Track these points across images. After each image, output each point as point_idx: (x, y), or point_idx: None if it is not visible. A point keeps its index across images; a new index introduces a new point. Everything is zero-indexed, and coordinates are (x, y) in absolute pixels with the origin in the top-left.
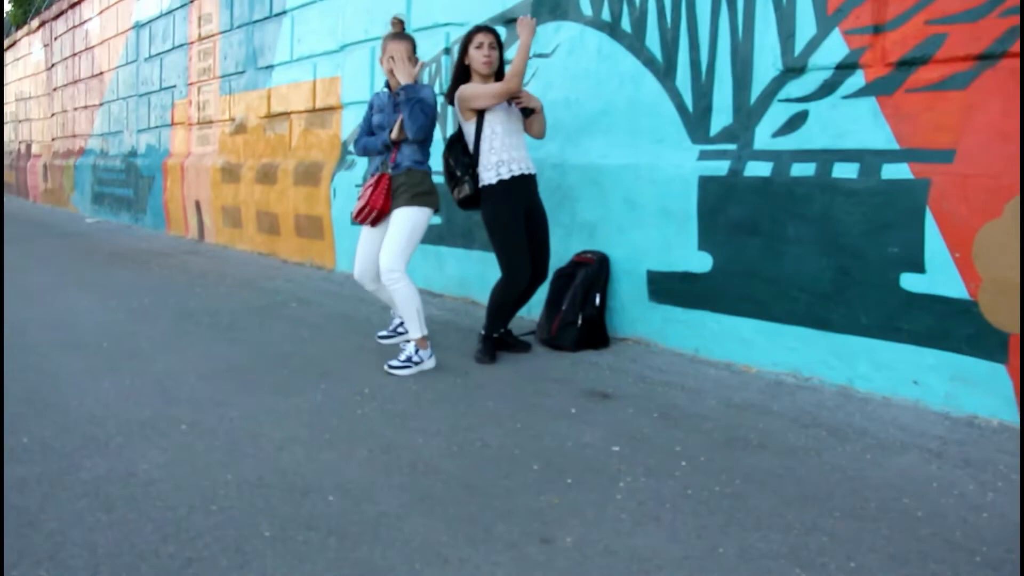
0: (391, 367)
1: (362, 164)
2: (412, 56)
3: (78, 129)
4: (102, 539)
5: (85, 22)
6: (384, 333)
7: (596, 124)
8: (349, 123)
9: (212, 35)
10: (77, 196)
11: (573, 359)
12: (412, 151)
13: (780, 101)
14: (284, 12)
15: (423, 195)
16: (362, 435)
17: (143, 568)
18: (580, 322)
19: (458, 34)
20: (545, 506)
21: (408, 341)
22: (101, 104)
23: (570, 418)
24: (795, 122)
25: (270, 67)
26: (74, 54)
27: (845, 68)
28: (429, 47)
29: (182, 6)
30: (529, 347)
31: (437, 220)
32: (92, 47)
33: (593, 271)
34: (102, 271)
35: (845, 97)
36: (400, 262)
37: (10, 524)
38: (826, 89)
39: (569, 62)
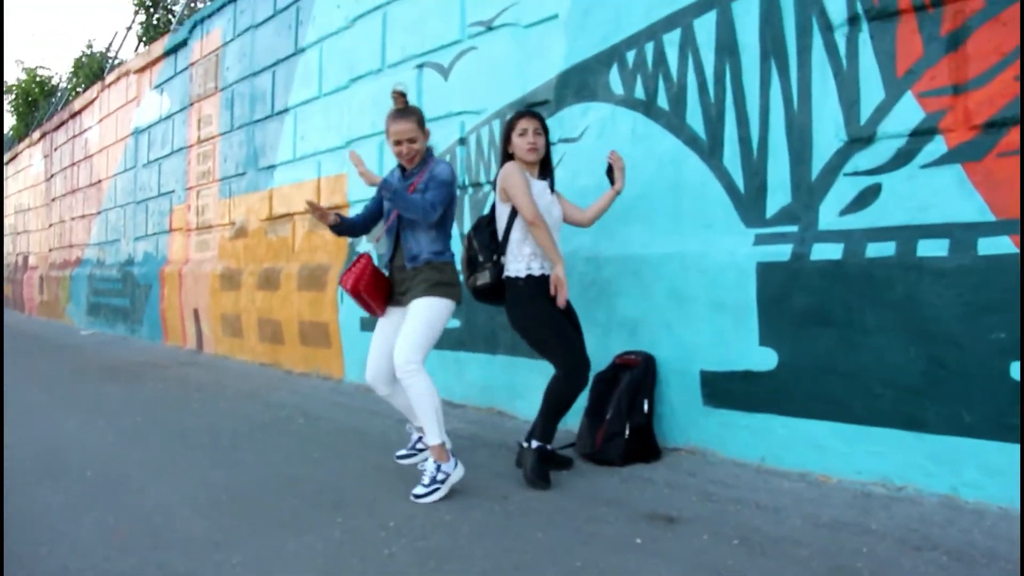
0: (416, 496)
1: None
2: (422, 128)
3: (75, 239)
4: None
5: (85, 131)
6: (403, 452)
7: (634, 211)
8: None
9: (212, 137)
10: (73, 308)
11: (623, 475)
12: (430, 240)
13: (847, 175)
14: (286, 110)
15: (443, 285)
16: None
17: None
18: (628, 432)
19: (473, 123)
20: None
21: (426, 458)
22: (99, 213)
23: (637, 550)
24: (866, 197)
25: (272, 167)
26: (73, 163)
27: (922, 134)
28: (443, 137)
29: (182, 109)
30: (571, 462)
31: (456, 323)
32: (91, 155)
33: (639, 374)
34: (93, 387)
35: (924, 166)
36: (417, 355)
37: None
38: (901, 159)
39: (600, 145)
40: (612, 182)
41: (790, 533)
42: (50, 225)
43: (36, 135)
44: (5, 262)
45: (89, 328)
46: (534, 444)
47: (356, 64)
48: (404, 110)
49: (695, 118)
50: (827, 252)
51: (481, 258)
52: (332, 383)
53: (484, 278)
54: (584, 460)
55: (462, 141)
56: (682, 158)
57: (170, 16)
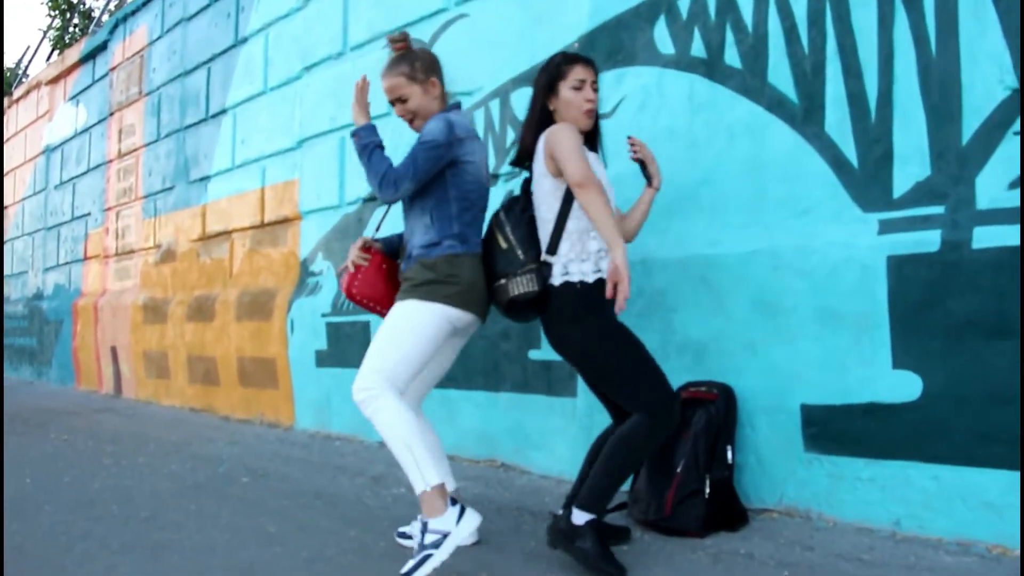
0: (410, 571)
1: (328, 290)
2: (415, 79)
3: None
4: None
5: None
6: (405, 530)
7: (694, 200)
8: (310, 237)
9: (135, 149)
10: None
11: (709, 551)
12: (423, 229)
13: (1016, 134)
14: (224, 111)
15: (427, 284)
16: None
17: None
18: (708, 490)
19: (466, 105)
20: None
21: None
22: (3, 243)
23: None
24: None
25: (205, 178)
26: None
27: None
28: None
29: (100, 121)
30: (628, 533)
31: None
32: None
33: (719, 412)
34: None
35: None
36: (374, 378)
37: None
38: None
39: (642, 120)
40: (647, 178)
41: None
42: None
43: None
44: None
45: None
46: (580, 518)
47: (311, 50)
48: (396, 58)
49: (780, 75)
50: (995, 237)
51: (520, 255)
52: (280, 431)
53: (527, 286)
54: (643, 528)
55: None
56: (762, 127)
57: (87, 21)
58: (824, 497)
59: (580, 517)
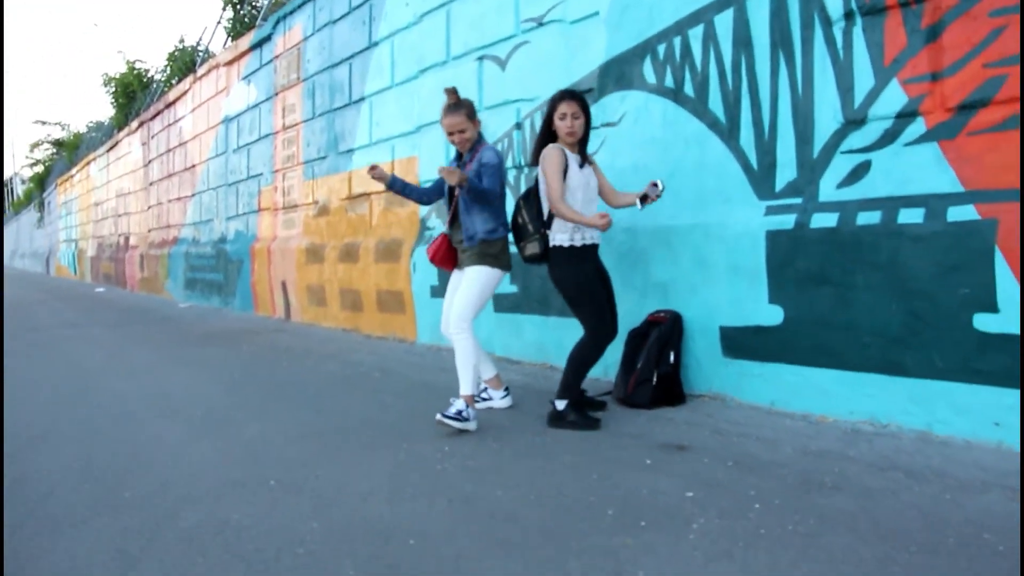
0: (444, 416)
1: None
2: (471, 119)
3: (172, 220)
4: None
5: (179, 120)
6: (482, 394)
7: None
8: None
9: (295, 124)
10: (171, 283)
11: (649, 416)
12: (483, 220)
13: (843, 153)
14: (363, 99)
15: (492, 257)
16: (442, 488)
17: None
18: (655, 380)
19: (528, 109)
20: (619, 546)
21: (488, 406)
22: (193, 195)
23: (646, 469)
24: (859, 172)
25: (350, 151)
26: (169, 150)
27: (905, 116)
28: (501, 123)
29: (267, 99)
30: (605, 405)
31: (513, 288)
32: (185, 142)
33: (666, 329)
34: (195, 350)
35: (907, 144)
36: (468, 316)
37: (115, 565)
38: (888, 138)
39: (636, 129)
40: (641, 199)
41: (778, 458)
42: (148, 207)
43: (134, 124)
44: (108, 243)
45: (186, 301)
46: (560, 405)
47: (424, 57)
48: (455, 104)
49: (716, 104)
50: (825, 221)
51: (531, 228)
52: (406, 345)
53: (533, 248)
54: (618, 404)
55: (518, 126)
56: (705, 139)
57: (255, 11)
58: (733, 387)
59: (560, 404)
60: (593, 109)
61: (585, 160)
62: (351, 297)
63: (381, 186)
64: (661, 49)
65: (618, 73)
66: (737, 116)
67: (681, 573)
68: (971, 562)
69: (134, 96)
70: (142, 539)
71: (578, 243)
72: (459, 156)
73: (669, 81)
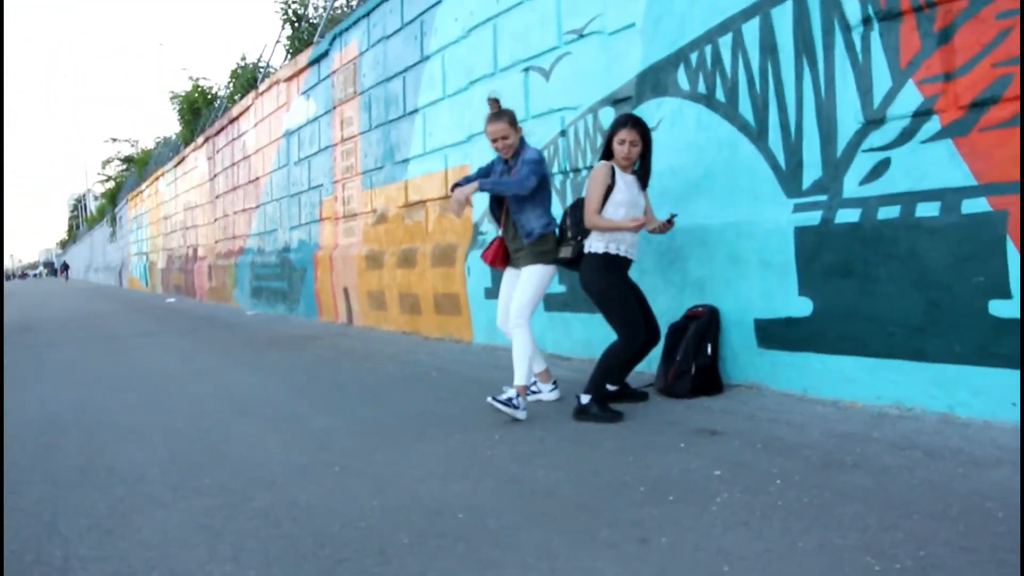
0: (495, 399)
1: None
2: (513, 126)
3: (237, 231)
4: (273, 547)
5: (243, 135)
6: (532, 388)
7: (699, 188)
8: (479, 206)
9: (353, 136)
10: (238, 292)
11: (688, 404)
12: (536, 216)
13: (864, 151)
14: (416, 110)
15: (547, 254)
16: (491, 470)
17: (305, 566)
18: (694, 370)
19: (571, 117)
20: (646, 517)
21: (538, 399)
22: (257, 206)
23: (678, 451)
24: (879, 169)
25: (406, 160)
26: (233, 163)
27: (921, 115)
28: (546, 131)
29: (326, 113)
30: (647, 396)
31: (562, 288)
32: (249, 156)
33: (704, 323)
34: (262, 354)
35: (923, 142)
36: (526, 312)
37: (197, 539)
38: (905, 136)
39: (672, 134)
40: (661, 225)
41: (805, 441)
42: (215, 220)
43: (200, 139)
44: (177, 255)
45: (253, 309)
46: (584, 399)
47: (473, 69)
48: (498, 113)
49: (746, 108)
50: (849, 216)
51: (570, 235)
52: (463, 345)
53: (566, 252)
54: (659, 395)
55: (563, 133)
56: (736, 142)
57: (312, 28)
58: (768, 376)
59: (585, 399)
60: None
61: (643, 185)
62: (410, 301)
63: (435, 194)
64: (693, 57)
65: (654, 81)
66: (765, 119)
67: (700, 539)
68: (968, 527)
69: (199, 112)
70: (222, 517)
71: (613, 251)
72: (505, 161)
73: (702, 87)
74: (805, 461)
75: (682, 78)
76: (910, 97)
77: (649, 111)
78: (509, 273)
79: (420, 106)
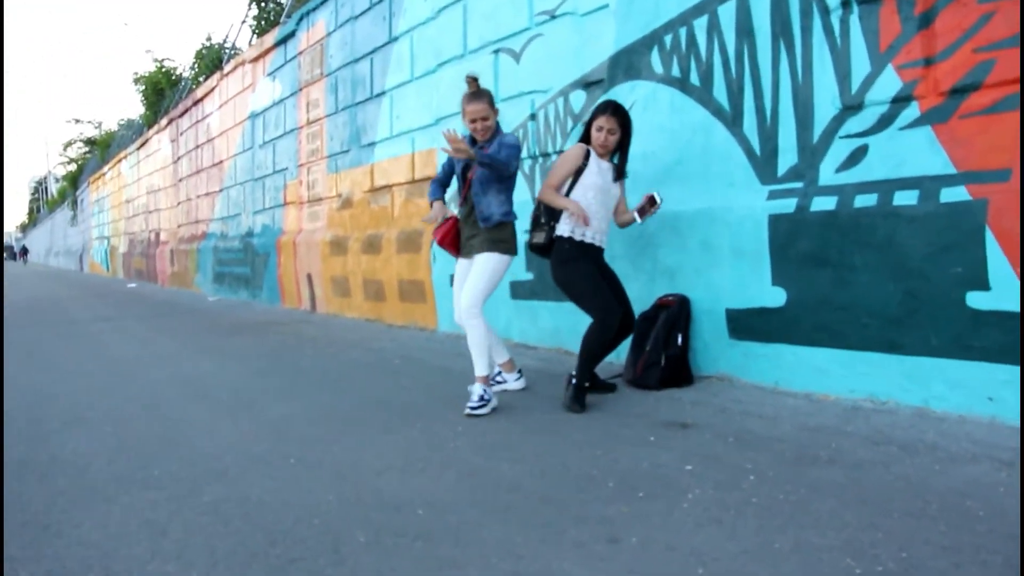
0: (472, 409)
1: None
2: (492, 107)
3: (200, 215)
4: (220, 544)
5: (207, 117)
6: (496, 377)
7: (672, 173)
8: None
9: (319, 119)
10: (200, 277)
11: (657, 396)
12: (499, 203)
13: (841, 138)
14: (383, 92)
15: (501, 243)
16: (453, 463)
17: (254, 565)
18: (663, 361)
19: (542, 100)
20: (615, 514)
21: (503, 389)
22: (221, 190)
23: (648, 444)
24: (856, 156)
25: (372, 144)
26: (197, 146)
27: (900, 101)
28: (516, 114)
29: (292, 95)
30: (615, 388)
31: (529, 276)
32: (213, 139)
33: (674, 312)
34: (223, 340)
35: (902, 128)
36: (479, 301)
37: (140, 535)
38: (883, 122)
39: (644, 117)
40: (640, 211)
41: (777, 434)
42: (178, 203)
43: (164, 122)
44: (139, 239)
45: (215, 295)
46: (574, 380)
47: (442, 50)
48: (477, 93)
49: (720, 92)
50: (824, 204)
51: (543, 219)
52: (427, 333)
53: (539, 237)
54: (628, 386)
55: (532, 117)
56: (710, 127)
57: (279, 7)
58: (739, 367)
59: (574, 380)
60: (604, 98)
61: (618, 175)
62: (374, 287)
63: (401, 178)
64: (668, 39)
65: (627, 63)
66: (741, 104)
67: (672, 538)
68: (949, 526)
69: (163, 94)
70: (168, 511)
71: (578, 236)
72: (473, 143)
73: (676, 71)
74: (778, 455)
75: (656, 61)
76: (889, 82)
77: (622, 94)
78: (462, 265)
79: (388, 88)
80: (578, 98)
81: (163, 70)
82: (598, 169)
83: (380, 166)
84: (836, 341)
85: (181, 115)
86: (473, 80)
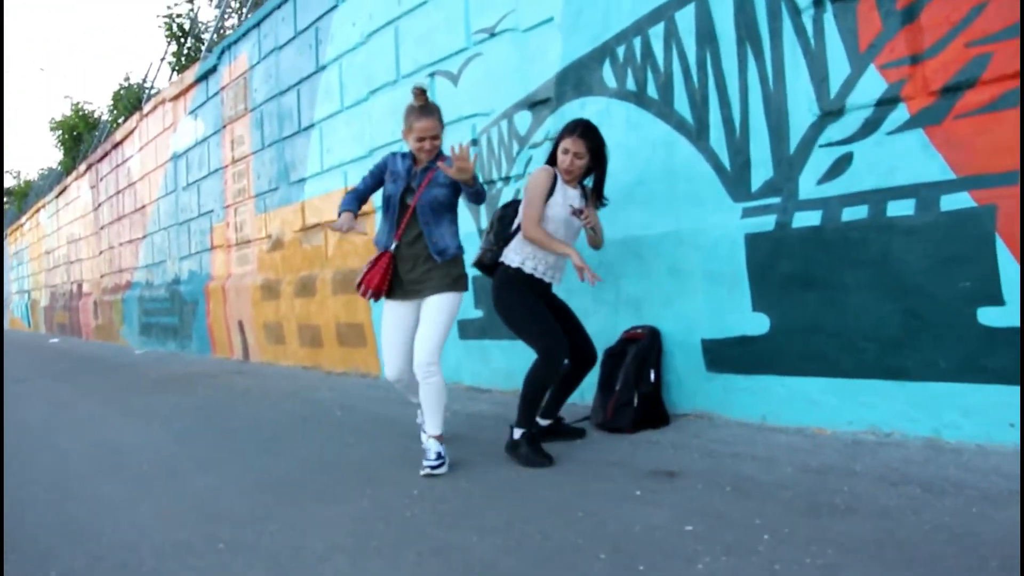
0: (431, 468)
1: None
2: (442, 124)
3: (124, 263)
4: None
5: (127, 160)
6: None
7: (632, 195)
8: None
9: (245, 156)
10: (126, 329)
11: (632, 440)
12: (451, 234)
13: (821, 146)
14: (312, 125)
15: (461, 279)
16: (412, 538)
17: None
18: (636, 401)
19: (484, 124)
20: None
21: (431, 438)
22: (144, 236)
23: (635, 500)
24: (840, 165)
25: (302, 180)
26: (118, 191)
27: (886, 103)
28: (456, 139)
29: (215, 132)
30: (584, 433)
31: (479, 313)
32: (134, 183)
33: (644, 346)
34: (147, 398)
35: (890, 133)
36: (439, 352)
37: None
38: (869, 127)
39: None
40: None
41: (779, 479)
42: (100, 252)
43: (82, 167)
44: (61, 291)
45: (143, 347)
46: (516, 434)
47: (373, 77)
48: (427, 107)
49: (682, 104)
50: (807, 219)
51: (492, 239)
52: (369, 379)
53: (484, 257)
54: (597, 430)
55: (474, 142)
56: (673, 142)
57: (200, 44)
58: (719, 403)
59: (517, 432)
60: (552, 118)
61: (590, 203)
62: (310, 333)
63: (334, 215)
64: (620, 51)
65: (576, 79)
66: (705, 116)
67: None
68: None
69: (80, 138)
70: None
71: (527, 270)
72: (414, 161)
73: (631, 84)
74: (788, 506)
75: (608, 75)
76: (872, 84)
77: (571, 113)
78: (396, 310)
79: (316, 120)
80: (523, 119)
81: (80, 113)
82: (563, 199)
83: (311, 203)
84: (829, 369)
85: (100, 159)
86: (421, 92)
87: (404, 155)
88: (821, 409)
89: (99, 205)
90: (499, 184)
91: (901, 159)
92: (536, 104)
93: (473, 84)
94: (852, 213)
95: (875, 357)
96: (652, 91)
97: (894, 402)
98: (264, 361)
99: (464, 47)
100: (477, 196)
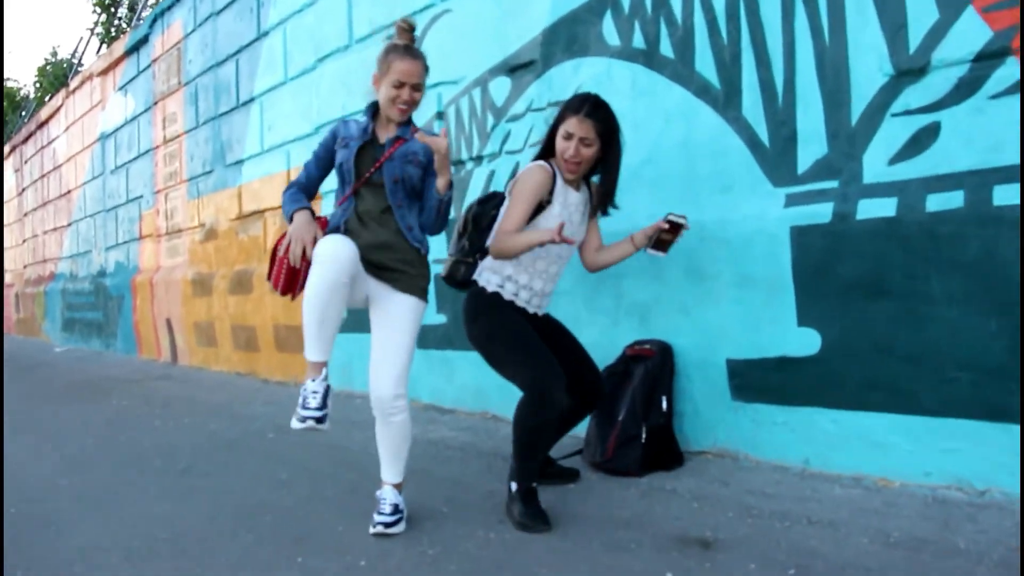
0: (384, 525)
1: None
2: (424, 76)
3: (48, 253)
4: None
5: (53, 141)
6: None
7: (638, 177)
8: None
9: (177, 136)
10: (48, 324)
11: (641, 488)
12: (417, 228)
13: (895, 115)
14: (252, 99)
15: (427, 288)
16: None
17: None
18: (645, 435)
19: (451, 94)
20: None
21: (388, 486)
22: (70, 224)
23: None
24: (922, 139)
25: (240, 162)
26: (43, 175)
27: (989, 58)
28: (418, 115)
29: (146, 110)
30: (577, 475)
31: (442, 318)
32: (60, 165)
33: (655, 366)
34: (51, 408)
35: (994, 96)
36: (406, 383)
37: None
38: (964, 90)
39: None
40: (658, 245)
41: (857, 557)
42: (24, 240)
43: (6, 149)
44: None
45: (64, 344)
46: (513, 487)
47: (322, 43)
48: (411, 48)
49: (706, 64)
50: (877, 209)
51: (467, 246)
52: None
53: (457, 271)
54: (594, 470)
55: (440, 115)
56: (692, 112)
57: (132, 13)
58: (748, 440)
59: (513, 486)
60: (536, 85)
61: (600, 210)
62: (245, 335)
63: (275, 201)
64: (626, 1)
65: (568, 37)
66: (736, 78)
67: None
68: None
69: (3, 118)
70: None
71: (506, 295)
72: (372, 122)
73: (639, 41)
74: None
75: (609, 30)
76: (971, 33)
77: (562, 77)
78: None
79: (257, 94)
80: (501, 87)
81: (3, 90)
82: (563, 205)
83: (249, 188)
84: (902, 403)
85: (25, 141)
86: (408, 28)
87: (359, 119)
88: (887, 454)
89: (23, 190)
90: (469, 166)
91: (1010, 130)
92: (517, 68)
93: (439, 46)
94: (941, 201)
95: (969, 391)
96: (666, 49)
97: (992, 450)
98: (193, 365)
99: (429, 3)
100: (438, 217)
